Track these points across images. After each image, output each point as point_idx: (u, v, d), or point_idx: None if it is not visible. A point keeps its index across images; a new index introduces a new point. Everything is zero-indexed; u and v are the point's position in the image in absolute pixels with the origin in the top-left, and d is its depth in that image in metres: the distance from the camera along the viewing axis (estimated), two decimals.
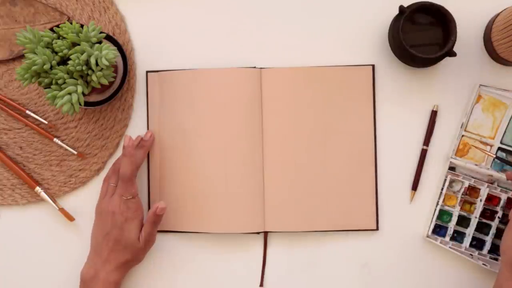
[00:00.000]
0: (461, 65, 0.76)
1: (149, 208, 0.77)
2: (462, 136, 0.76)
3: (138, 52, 0.79)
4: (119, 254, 0.72)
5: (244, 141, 0.76)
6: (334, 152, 0.76)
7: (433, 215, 0.76)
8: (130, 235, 0.71)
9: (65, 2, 0.78)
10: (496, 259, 0.75)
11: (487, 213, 0.76)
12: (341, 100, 0.77)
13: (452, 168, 0.76)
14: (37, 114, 0.78)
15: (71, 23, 0.67)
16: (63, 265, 0.78)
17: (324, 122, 0.76)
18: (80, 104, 0.66)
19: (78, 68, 0.65)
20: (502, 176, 0.75)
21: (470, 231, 0.75)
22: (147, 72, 0.78)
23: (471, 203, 0.76)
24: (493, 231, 0.75)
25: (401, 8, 0.72)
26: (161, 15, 0.79)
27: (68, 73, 0.66)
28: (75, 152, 0.77)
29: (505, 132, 0.75)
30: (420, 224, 0.77)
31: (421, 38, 0.74)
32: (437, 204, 0.76)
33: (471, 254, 0.75)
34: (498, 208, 0.75)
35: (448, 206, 0.76)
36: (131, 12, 0.79)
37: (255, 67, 0.77)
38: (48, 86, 0.67)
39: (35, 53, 0.66)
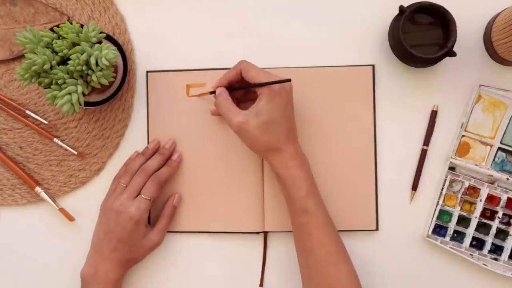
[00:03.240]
0: (461, 65, 0.76)
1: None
2: (462, 136, 0.76)
3: (138, 52, 0.79)
4: (121, 252, 0.72)
5: None
6: (334, 152, 0.76)
7: (433, 215, 0.76)
8: (136, 235, 0.72)
9: (65, 2, 0.78)
10: (496, 259, 0.75)
11: (487, 213, 0.75)
12: (341, 100, 0.77)
13: (452, 168, 0.76)
14: (37, 114, 0.78)
15: (71, 23, 0.67)
16: (63, 265, 0.78)
17: (324, 122, 0.76)
18: (80, 104, 0.66)
19: (78, 68, 0.65)
20: (502, 176, 0.75)
21: (470, 231, 0.75)
22: (147, 72, 0.78)
23: (471, 203, 0.76)
24: (493, 231, 0.75)
25: (401, 8, 0.72)
26: (161, 15, 0.79)
27: (68, 73, 0.66)
28: (75, 152, 0.77)
29: (505, 132, 0.75)
30: (420, 224, 0.77)
31: (421, 38, 0.74)
32: (437, 204, 0.76)
33: (471, 254, 0.75)
34: (498, 208, 0.75)
35: (448, 206, 0.76)
36: (131, 12, 0.79)
37: None
38: (48, 86, 0.67)
39: (35, 53, 0.66)
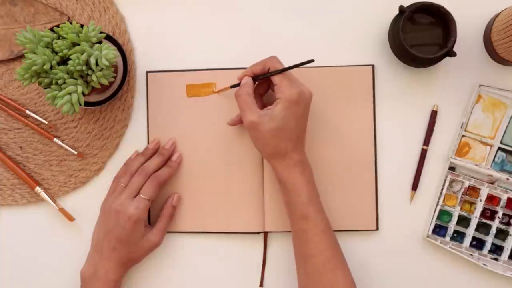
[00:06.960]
0: (461, 65, 0.77)
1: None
2: (462, 136, 0.76)
3: (138, 52, 0.79)
4: (120, 252, 0.72)
5: (244, 141, 0.76)
6: (334, 152, 0.76)
7: (433, 215, 0.76)
8: (135, 235, 0.72)
9: (65, 2, 0.78)
10: (496, 259, 0.75)
11: (487, 213, 0.76)
12: (341, 100, 0.77)
13: (452, 168, 0.76)
14: (37, 114, 0.78)
15: (71, 23, 0.67)
16: (63, 265, 0.78)
17: (324, 122, 0.76)
18: (80, 104, 0.66)
19: (78, 68, 0.65)
20: (502, 176, 0.75)
21: (470, 231, 0.75)
22: (147, 72, 0.78)
23: (471, 203, 0.76)
24: (493, 231, 0.75)
25: (401, 8, 0.72)
26: (161, 15, 0.79)
27: (68, 73, 0.66)
28: (75, 152, 0.77)
29: (505, 132, 0.75)
30: (420, 224, 0.77)
31: (421, 38, 0.74)
32: (437, 204, 0.76)
33: (471, 254, 0.75)
34: (498, 208, 0.75)
35: (448, 206, 0.76)
36: (131, 12, 0.79)
37: None
38: (48, 86, 0.67)
39: (35, 53, 0.66)
